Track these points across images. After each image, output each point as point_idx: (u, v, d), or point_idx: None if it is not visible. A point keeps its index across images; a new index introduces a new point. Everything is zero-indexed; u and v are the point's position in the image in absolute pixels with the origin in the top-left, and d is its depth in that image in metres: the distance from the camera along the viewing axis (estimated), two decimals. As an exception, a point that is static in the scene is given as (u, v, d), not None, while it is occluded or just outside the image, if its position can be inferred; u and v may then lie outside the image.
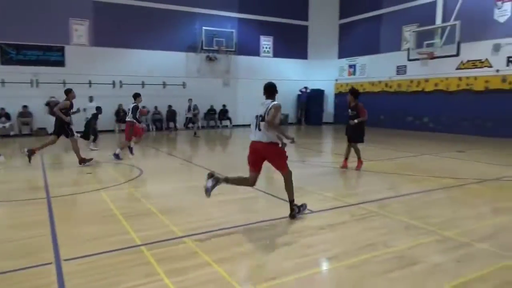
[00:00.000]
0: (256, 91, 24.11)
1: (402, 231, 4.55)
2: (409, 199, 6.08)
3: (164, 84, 19.20)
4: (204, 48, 19.88)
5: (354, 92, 8.56)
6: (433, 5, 16.53)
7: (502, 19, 14.92)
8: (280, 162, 4.98)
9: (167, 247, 3.99)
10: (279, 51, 22.72)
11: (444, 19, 15.88)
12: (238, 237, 4.35)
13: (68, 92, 8.92)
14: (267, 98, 5.08)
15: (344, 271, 3.49)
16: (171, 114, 19.25)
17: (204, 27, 19.64)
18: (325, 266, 3.68)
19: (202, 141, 15.38)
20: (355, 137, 8.51)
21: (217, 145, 14.67)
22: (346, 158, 8.69)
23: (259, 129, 4.82)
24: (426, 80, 17.89)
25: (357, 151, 8.54)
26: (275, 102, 4.89)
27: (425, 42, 15.82)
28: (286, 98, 22.89)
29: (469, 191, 6.64)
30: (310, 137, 15.05)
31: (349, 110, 8.54)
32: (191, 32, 19.83)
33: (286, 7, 22.55)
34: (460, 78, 16.45)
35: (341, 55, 23.10)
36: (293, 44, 23.16)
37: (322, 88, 23.32)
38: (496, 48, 15.02)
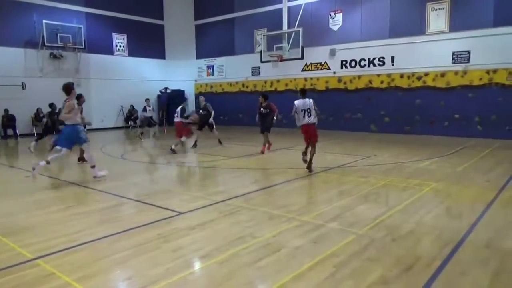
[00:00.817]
0: (112, 92, 22.80)
1: (267, 221, 4.86)
2: (271, 191, 6.55)
3: (-3, 85, 16.42)
4: (47, 44, 17.65)
5: (265, 95, 11.29)
6: (279, 12, 18.03)
7: (335, 28, 17.23)
8: (316, 135, 8.22)
9: (14, 274, 3.42)
10: (135, 50, 21.72)
11: (289, 26, 17.52)
12: (101, 250, 4.01)
13: (80, 97, 9.16)
14: (304, 97, 8.10)
15: (216, 267, 3.55)
16: (9, 120, 16.59)
17: (44, 21, 17.41)
18: (197, 265, 3.68)
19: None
20: (268, 128, 11.00)
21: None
22: (264, 145, 10.97)
23: (308, 116, 7.98)
24: (278, 81, 19.48)
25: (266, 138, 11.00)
26: (311, 100, 8.09)
27: (275, 46, 17.19)
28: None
29: (319, 178, 7.49)
30: (173, 137, 14.77)
31: (262, 109, 11.03)
32: (29, 26, 17.37)
33: (139, 4, 21.68)
34: (305, 79, 18.41)
35: (199, 56, 23.37)
36: (149, 44, 22.42)
37: (182, 89, 23.23)
38: (332, 52, 17.29)
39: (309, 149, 8.08)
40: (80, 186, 7.04)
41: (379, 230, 4.43)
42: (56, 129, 11.42)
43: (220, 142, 12.36)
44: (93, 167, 7.52)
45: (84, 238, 4.29)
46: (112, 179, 7.76)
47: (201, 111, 12.23)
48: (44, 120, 12.58)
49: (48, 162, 7.15)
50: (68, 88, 7.38)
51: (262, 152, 10.72)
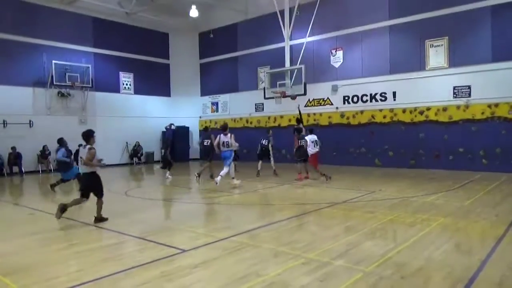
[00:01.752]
0: (117, 129, 23.07)
1: (272, 258, 4.76)
2: (276, 227, 6.44)
3: (5, 123, 16.69)
4: (55, 83, 18.08)
5: (296, 129, 12.82)
6: (282, 50, 18.51)
7: (337, 65, 17.62)
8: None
9: (12, 316, 3.34)
10: (141, 88, 22.20)
11: (292, 63, 17.94)
12: (103, 289, 3.92)
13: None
14: (312, 133, 12.65)
15: (220, 308, 3.44)
16: (15, 157, 16.72)
17: (54, 61, 17.92)
18: (201, 306, 3.57)
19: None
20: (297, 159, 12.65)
21: (74, 189, 13.20)
22: (307, 172, 12.59)
23: (316, 146, 12.36)
24: (281, 116, 19.69)
25: (302, 168, 12.55)
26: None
27: (278, 82, 17.50)
28: (151, 136, 22.31)
29: (324, 214, 7.39)
30: (177, 174, 14.82)
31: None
32: (38, 66, 17.89)
33: (145, 45, 22.36)
34: (309, 114, 18.60)
35: (203, 93, 23.81)
36: (155, 82, 22.93)
37: (187, 125, 23.51)
38: (334, 88, 17.57)
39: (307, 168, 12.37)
40: (83, 224, 6.98)
41: (387, 268, 4.32)
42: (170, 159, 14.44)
43: (275, 172, 13.72)
44: (233, 178, 11.19)
45: (86, 277, 4.21)
46: (115, 216, 7.70)
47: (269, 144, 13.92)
48: (163, 151, 15.06)
49: (221, 176, 10.79)
50: (226, 126, 11.40)
51: (299, 180, 12.29)
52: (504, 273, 4.14)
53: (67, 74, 18.40)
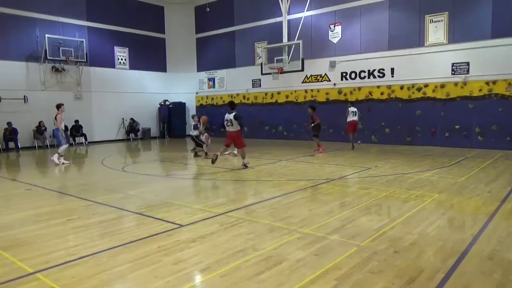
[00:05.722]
0: (113, 105, 22.91)
1: (268, 233, 4.83)
2: (272, 203, 6.51)
3: (-1, 98, 16.54)
4: (49, 58, 17.80)
5: (312, 106, 13.54)
6: (279, 25, 18.22)
7: (335, 40, 17.38)
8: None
9: (13, 288, 3.40)
10: (136, 63, 21.91)
11: (290, 38, 17.68)
12: (102, 263, 3.97)
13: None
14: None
15: (217, 280, 3.51)
16: (11, 133, 16.64)
17: (47, 35, 17.59)
18: (198, 279, 3.64)
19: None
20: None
21: (71, 164, 13.22)
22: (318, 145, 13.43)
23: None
24: (278, 93, 19.58)
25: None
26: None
27: (275, 58, 17.30)
28: (146, 112, 22.23)
29: (320, 190, 7.46)
30: (174, 150, 14.84)
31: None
32: (31, 40, 17.57)
33: (141, 18, 21.94)
34: (306, 91, 18.50)
35: (200, 68, 23.54)
36: (151, 57, 22.64)
37: (183, 101, 23.36)
38: (332, 64, 17.40)
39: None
40: (80, 199, 7.02)
41: (381, 242, 4.40)
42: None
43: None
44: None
45: (84, 252, 4.27)
46: (113, 191, 7.75)
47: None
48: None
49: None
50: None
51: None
52: (494, 247, 4.23)
53: (61, 48, 18.09)
